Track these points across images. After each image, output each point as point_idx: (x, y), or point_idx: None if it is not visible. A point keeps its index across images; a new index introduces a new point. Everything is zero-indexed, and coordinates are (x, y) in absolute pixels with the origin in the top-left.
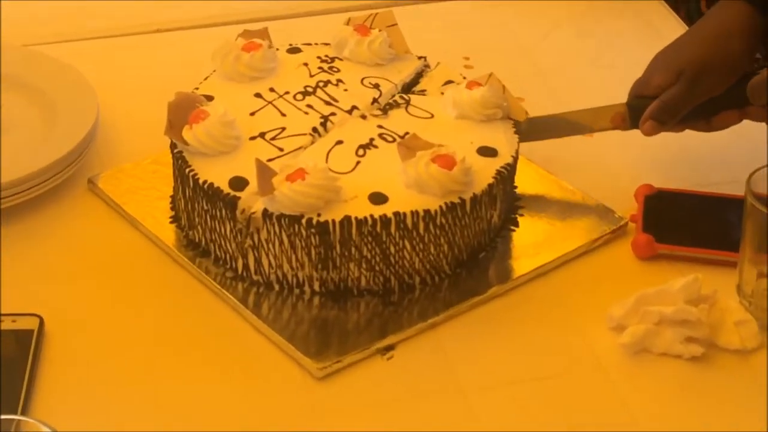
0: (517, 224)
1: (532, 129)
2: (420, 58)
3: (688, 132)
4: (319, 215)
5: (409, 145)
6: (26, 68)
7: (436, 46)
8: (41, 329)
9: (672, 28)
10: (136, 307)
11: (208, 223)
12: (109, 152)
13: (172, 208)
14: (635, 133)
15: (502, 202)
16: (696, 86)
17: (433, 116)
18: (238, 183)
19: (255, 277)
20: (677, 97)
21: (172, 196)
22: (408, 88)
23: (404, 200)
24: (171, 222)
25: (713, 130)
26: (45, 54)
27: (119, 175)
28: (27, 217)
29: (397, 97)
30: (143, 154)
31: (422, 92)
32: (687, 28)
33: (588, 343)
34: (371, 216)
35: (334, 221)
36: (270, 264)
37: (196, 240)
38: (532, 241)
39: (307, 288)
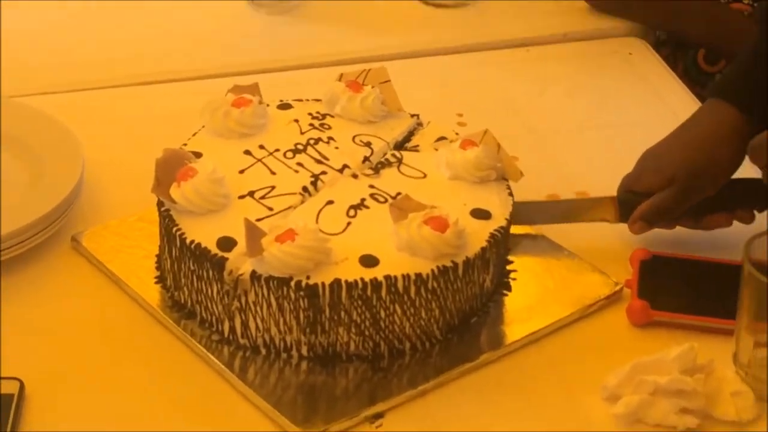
0: (510, 288)
1: (517, 214)
2: (413, 116)
3: None
4: (308, 278)
5: (401, 206)
6: (11, 120)
7: (428, 102)
8: (21, 393)
9: (670, 87)
10: (120, 369)
11: (195, 284)
12: (93, 208)
13: (158, 268)
14: None
15: (495, 265)
16: (687, 192)
17: (425, 176)
18: (226, 243)
19: (241, 341)
20: (669, 201)
21: (157, 255)
22: (400, 146)
23: (396, 263)
24: (156, 282)
25: (702, 230)
26: (30, 106)
27: (104, 233)
28: (7, 275)
29: (389, 155)
30: (129, 211)
31: (415, 148)
32: (684, 86)
33: (582, 412)
34: (362, 279)
35: (323, 284)
36: (257, 327)
37: (182, 301)
38: (525, 306)
39: (294, 352)
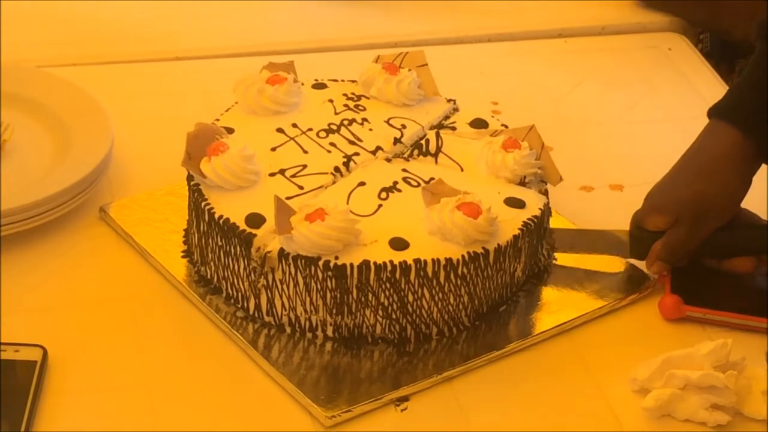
0: (542, 279)
1: None
2: (449, 101)
3: None
4: (336, 258)
5: (433, 190)
6: (41, 90)
7: (464, 89)
8: (44, 360)
9: (709, 84)
10: (143, 342)
11: (222, 259)
12: (122, 181)
13: (185, 242)
14: None
15: (528, 255)
16: (696, 227)
17: (462, 170)
18: (255, 220)
19: (267, 319)
20: (680, 240)
21: (185, 230)
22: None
23: (426, 247)
24: (183, 256)
25: (726, 271)
26: (61, 77)
27: (132, 205)
28: (35, 244)
29: (425, 141)
30: (158, 185)
31: (452, 125)
32: (723, 84)
33: (610, 404)
34: (390, 262)
35: (352, 265)
36: (283, 306)
37: (208, 276)
38: (556, 297)
39: (320, 333)
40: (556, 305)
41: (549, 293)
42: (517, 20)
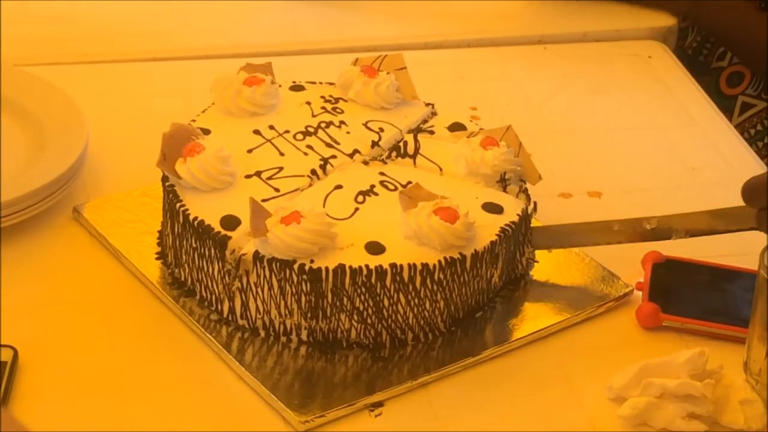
0: (518, 285)
1: (548, 237)
2: (428, 104)
3: (699, 198)
4: (312, 261)
5: (411, 194)
6: (16, 89)
7: (442, 93)
8: (15, 362)
9: (689, 92)
10: (116, 344)
11: (196, 261)
12: (97, 181)
13: (159, 244)
14: (644, 196)
15: (505, 261)
16: None
17: (441, 170)
18: (230, 222)
19: (241, 322)
20: None
21: (159, 231)
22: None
23: (402, 252)
24: (157, 258)
25: None
26: (36, 76)
27: (106, 206)
28: (7, 243)
29: (402, 144)
30: (133, 185)
31: (430, 129)
32: (703, 92)
33: (585, 413)
34: (366, 266)
35: (327, 269)
36: (257, 309)
37: (182, 278)
38: (533, 304)
39: (294, 336)
40: (533, 312)
41: (526, 300)
42: (498, 26)
